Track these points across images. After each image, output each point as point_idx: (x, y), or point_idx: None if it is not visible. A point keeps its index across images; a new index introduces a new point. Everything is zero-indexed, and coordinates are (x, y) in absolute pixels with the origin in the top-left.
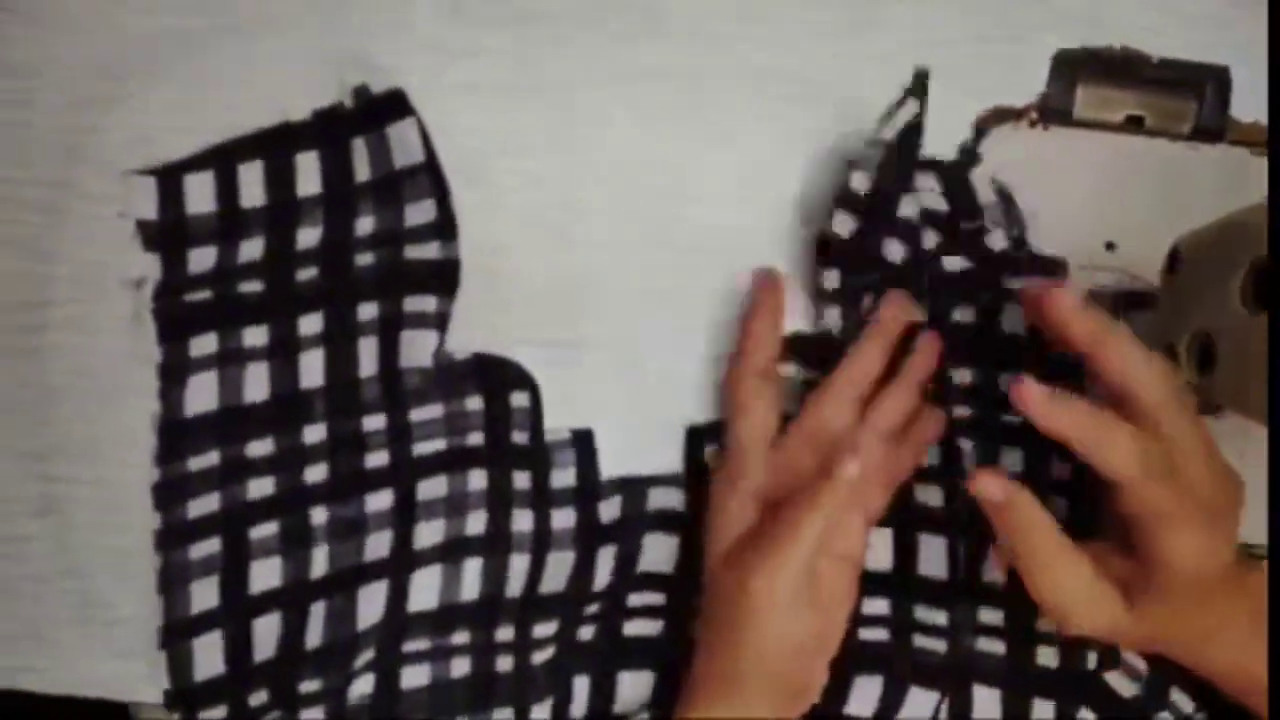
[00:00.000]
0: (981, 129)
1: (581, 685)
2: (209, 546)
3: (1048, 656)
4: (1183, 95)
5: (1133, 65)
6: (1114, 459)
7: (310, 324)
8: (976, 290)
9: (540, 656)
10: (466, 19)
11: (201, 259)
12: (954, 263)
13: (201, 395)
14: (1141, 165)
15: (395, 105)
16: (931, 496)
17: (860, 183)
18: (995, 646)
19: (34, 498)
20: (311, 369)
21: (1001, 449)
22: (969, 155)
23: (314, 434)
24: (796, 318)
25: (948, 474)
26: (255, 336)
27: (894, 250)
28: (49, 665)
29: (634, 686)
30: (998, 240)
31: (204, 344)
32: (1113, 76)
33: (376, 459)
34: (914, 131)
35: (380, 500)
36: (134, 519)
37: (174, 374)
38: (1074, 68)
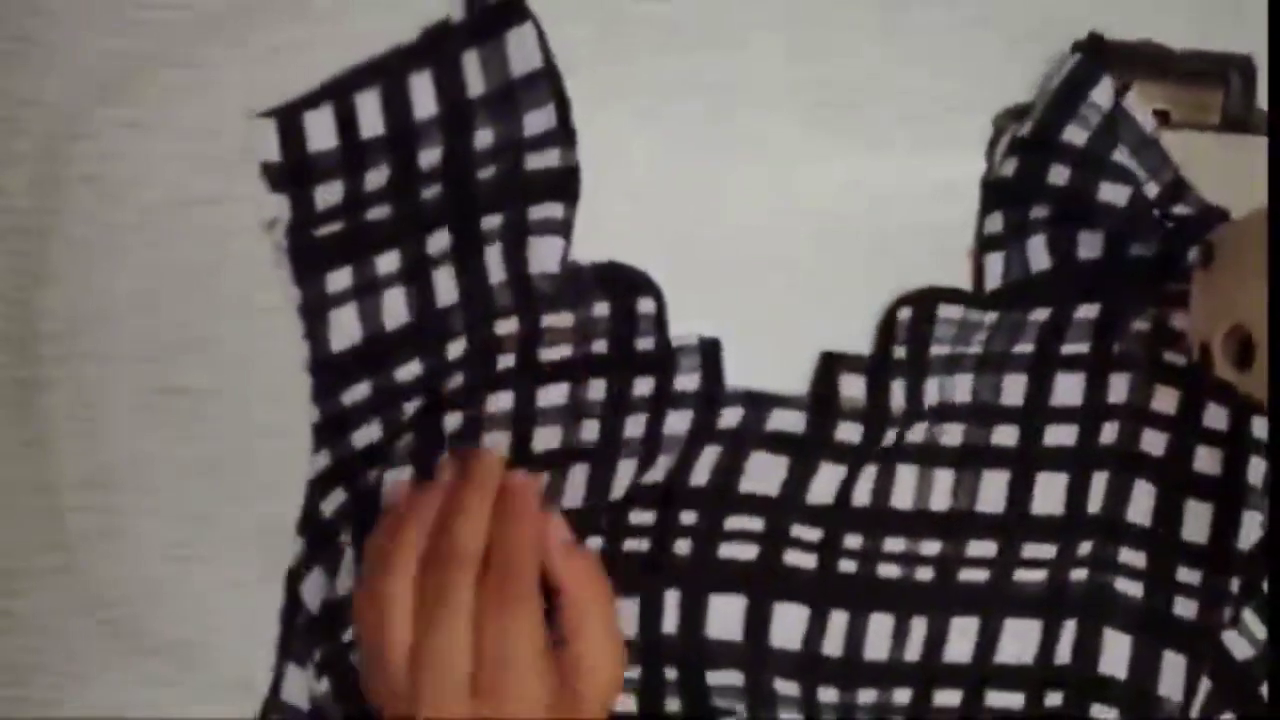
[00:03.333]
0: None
1: (672, 600)
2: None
3: (1186, 608)
4: (1208, 86)
5: (1155, 58)
6: None
7: (438, 241)
8: (1136, 227)
9: (632, 544)
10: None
11: (328, 194)
12: (1115, 192)
13: (344, 329)
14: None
15: (513, 11)
16: (1061, 436)
17: (1026, 129)
18: (1133, 589)
19: (58, 530)
20: (445, 286)
21: (1112, 378)
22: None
23: (456, 349)
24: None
25: (1085, 410)
26: (388, 263)
27: (1059, 175)
28: (76, 697)
29: (724, 611)
30: (1152, 189)
31: (339, 278)
32: (1135, 70)
33: (505, 361)
34: (1079, 82)
35: (501, 402)
36: (156, 546)
37: (315, 312)
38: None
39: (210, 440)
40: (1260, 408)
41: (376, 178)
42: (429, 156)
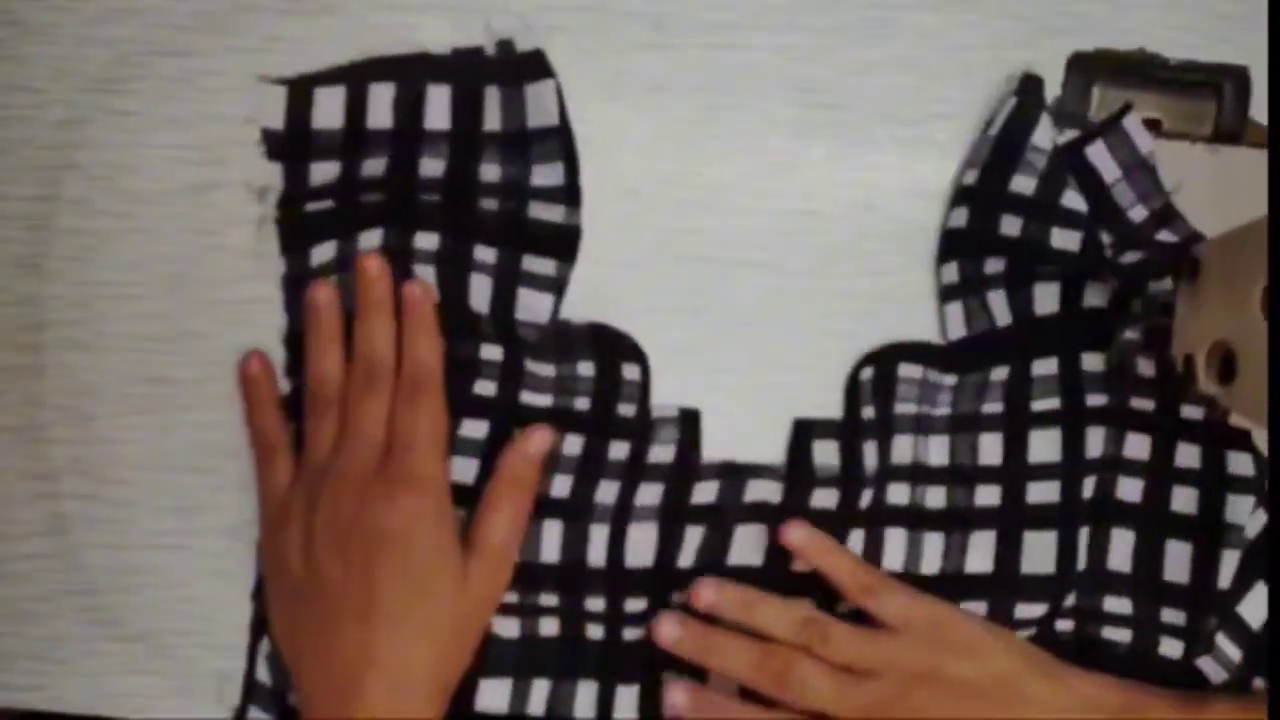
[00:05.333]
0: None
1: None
2: None
3: (1172, 648)
4: (1202, 97)
5: (1149, 67)
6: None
7: (426, 240)
8: (1090, 268)
9: (631, 634)
10: (482, 35)
11: (323, 173)
12: (1066, 238)
13: None
14: (1160, 169)
15: (536, 65)
16: (1045, 493)
17: (971, 178)
18: (1120, 635)
19: (42, 518)
20: (425, 280)
21: (1088, 432)
22: (1087, 134)
23: None
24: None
25: (1065, 466)
26: (370, 239)
27: (1010, 225)
28: (59, 684)
29: (723, 689)
30: (1140, 213)
31: (323, 253)
32: (1129, 79)
33: (484, 388)
34: (1019, 126)
35: (476, 429)
36: (141, 536)
37: (297, 284)
38: (1089, 70)
39: (195, 431)
40: (1238, 435)
41: (374, 167)
42: (432, 166)
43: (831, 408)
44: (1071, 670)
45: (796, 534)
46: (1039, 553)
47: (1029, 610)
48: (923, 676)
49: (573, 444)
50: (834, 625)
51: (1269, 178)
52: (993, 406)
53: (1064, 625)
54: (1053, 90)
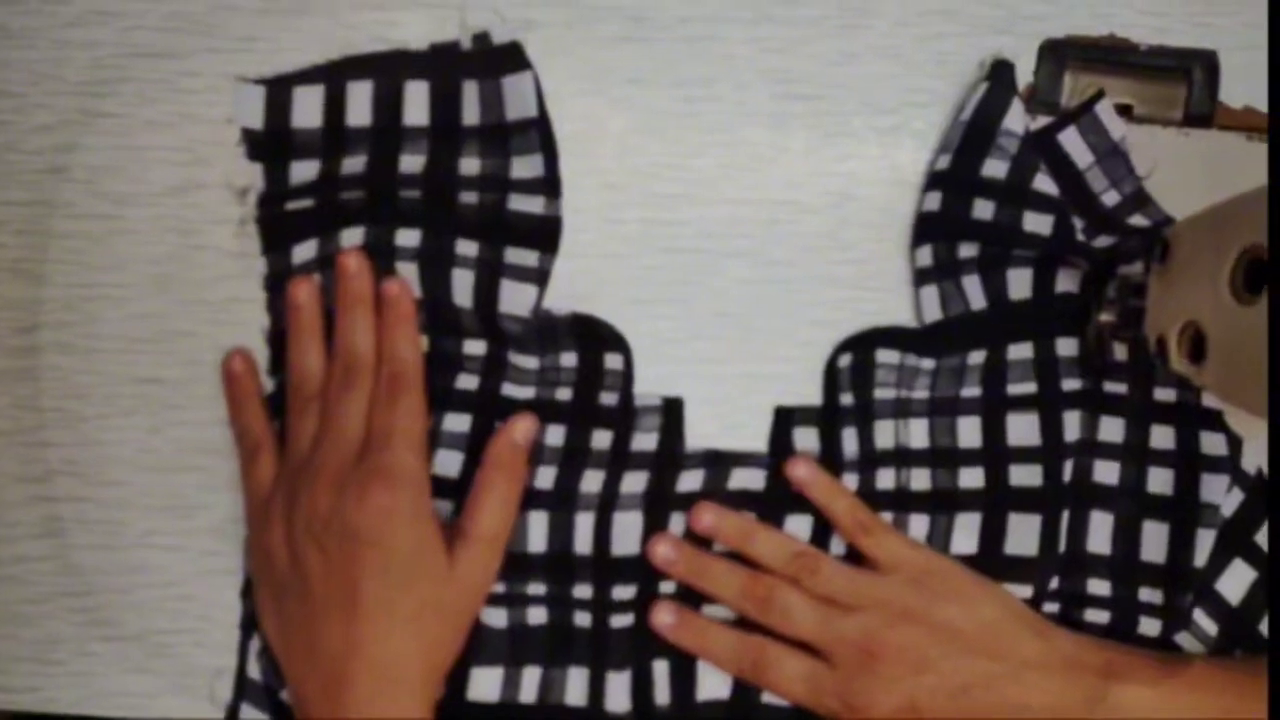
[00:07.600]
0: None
1: (661, 670)
2: None
3: (1150, 627)
4: (1171, 82)
5: (1120, 52)
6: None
7: (408, 238)
8: (1058, 251)
9: (619, 620)
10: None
11: (303, 171)
12: (1038, 221)
13: None
14: (1131, 153)
15: (513, 57)
16: (1027, 476)
17: (944, 162)
18: (1101, 617)
19: (35, 520)
20: (407, 279)
21: (1064, 416)
22: (1059, 120)
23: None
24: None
25: (1045, 450)
26: (351, 237)
27: (983, 209)
28: (54, 685)
29: (715, 674)
30: (1112, 198)
31: (305, 251)
32: (1100, 64)
33: (467, 382)
34: (990, 111)
35: (459, 423)
36: (133, 536)
37: (279, 283)
38: (1061, 56)
39: (185, 430)
40: (1210, 415)
41: (354, 165)
42: (412, 162)
43: (816, 395)
44: (1056, 629)
45: (801, 469)
46: (1023, 535)
47: (1015, 592)
48: (907, 615)
49: (555, 434)
50: (824, 560)
51: (1269, 163)
52: (970, 390)
53: (1050, 608)
54: (1026, 77)
